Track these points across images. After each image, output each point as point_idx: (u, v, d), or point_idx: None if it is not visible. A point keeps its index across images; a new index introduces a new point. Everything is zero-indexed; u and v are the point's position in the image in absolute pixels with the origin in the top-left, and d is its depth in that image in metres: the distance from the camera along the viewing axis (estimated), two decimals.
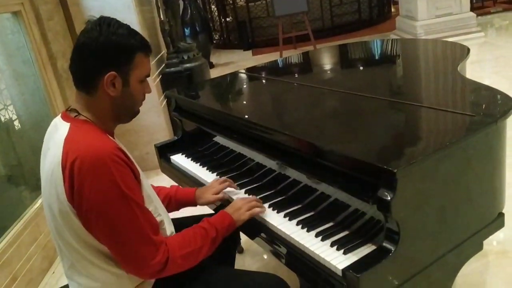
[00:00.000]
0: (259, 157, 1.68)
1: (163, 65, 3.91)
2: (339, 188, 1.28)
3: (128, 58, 1.23)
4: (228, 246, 1.79)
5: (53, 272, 2.61)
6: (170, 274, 1.25)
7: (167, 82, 3.74)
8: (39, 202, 2.74)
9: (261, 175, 1.68)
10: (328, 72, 2.51)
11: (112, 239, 1.18)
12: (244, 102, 2.11)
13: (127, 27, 1.25)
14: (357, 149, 1.29)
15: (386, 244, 1.13)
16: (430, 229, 1.19)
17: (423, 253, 1.19)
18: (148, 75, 1.31)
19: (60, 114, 1.29)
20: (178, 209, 1.61)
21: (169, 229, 1.38)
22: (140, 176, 1.26)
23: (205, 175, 1.86)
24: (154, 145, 2.22)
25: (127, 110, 1.31)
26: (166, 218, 1.39)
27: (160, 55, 4.02)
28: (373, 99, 1.67)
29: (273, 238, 1.41)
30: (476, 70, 4.75)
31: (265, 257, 2.36)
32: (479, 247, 1.35)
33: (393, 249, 1.11)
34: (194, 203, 1.62)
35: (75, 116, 1.25)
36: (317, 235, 1.31)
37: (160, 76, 3.79)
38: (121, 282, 1.25)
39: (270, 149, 1.54)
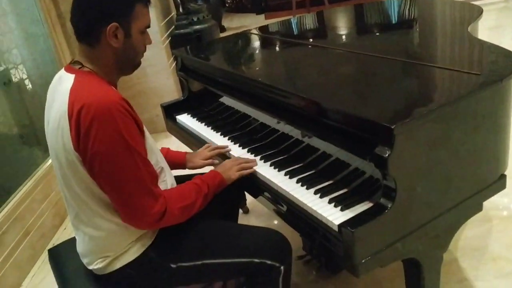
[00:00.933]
0: (263, 117, 1.68)
1: (173, 27, 3.87)
2: (338, 145, 1.29)
3: (128, 9, 1.25)
4: (232, 204, 1.83)
5: (65, 228, 2.70)
6: (166, 225, 1.29)
7: (176, 44, 3.71)
8: (50, 160, 2.80)
9: (265, 135, 1.68)
10: (341, 32, 2.46)
11: (114, 187, 1.21)
12: (250, 62, 2.09)
13: None
14: (358, 106, 1.29)
15: (383, 201, 1.13)
16: (428, 188, 1.19)
17: (420, 211, 1.19)
18: (149, 26, 1.33)
19: (64, 67, 1.30)
20: None
21: (170, 181, 1.41)
22: (143, 127, 1.29)
23: (210, 135, 1.87)
24: (161, 104, 2.23)
25: (130, 61, 1.32)
26: (167, 170, 1.42)
27: (169, 17, 3.97)
28: (381, 59, 1.64)
29: (274, 196, 1.42)
30: (495, 36, 4.62)
31: (275, 222, 2.38)
32: (479, 208, 1.34)
33: (389, 206, 1.11)
34: (183, 166, 1.66)
35: (79, 68, 1.26)
36: (316, 192, 1.32)
37: (170, 38, 3.76)
38: (124, 232, 1.29)
39: (272, 107, 1.54)
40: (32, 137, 3.04)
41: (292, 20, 2.85)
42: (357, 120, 1.18)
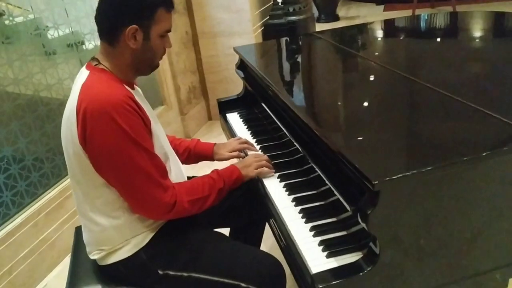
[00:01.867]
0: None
1: (267, 16, 3.83)
2: (333, 185, 1.15)
3: (150, 13, 1.25)
4: (259, 211, 1.77)
5: None
6: (177, 217, 1.31)
7: (268, 34, 3.67)
8: None
9: (290, 152, 1.59)
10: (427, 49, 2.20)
11: (122, 181, 1.25)
12: (286, 74, 1.95)
13: None
14: (357, 150, 1.14)
15: (362, 262, 1.00)
16: (424, 255, 1.01)
17: (412, 279, 1.03)
18: (169, 31, 1.32)
19: (86, 63, 1.35)
20: (196, 162, 1.65)
21: (178, 180, 1.40)
22: (150, 126, 1.30)
23: (247, 139, 1.82)
24: (217, 99, 2.23)
25: (147, 63, 1.34)
26: (175, 169, 1.42)
27: (266, 6, 3.93)
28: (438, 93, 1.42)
29: (275, 221, 1.34)
30: None
31: None
32: (502, 285, 1.11)
33: (366, 270, 0.97)
34: (211, 158, 1.66)
35: (95, 65, 1.30)
36: (311, 229, 1.22)
37: (262, 27, 3.73)
38: (120, 229, 1.31)
39: (293, 128, 1.45)
40: None
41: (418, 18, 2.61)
42: (350, 164, 1.04)
